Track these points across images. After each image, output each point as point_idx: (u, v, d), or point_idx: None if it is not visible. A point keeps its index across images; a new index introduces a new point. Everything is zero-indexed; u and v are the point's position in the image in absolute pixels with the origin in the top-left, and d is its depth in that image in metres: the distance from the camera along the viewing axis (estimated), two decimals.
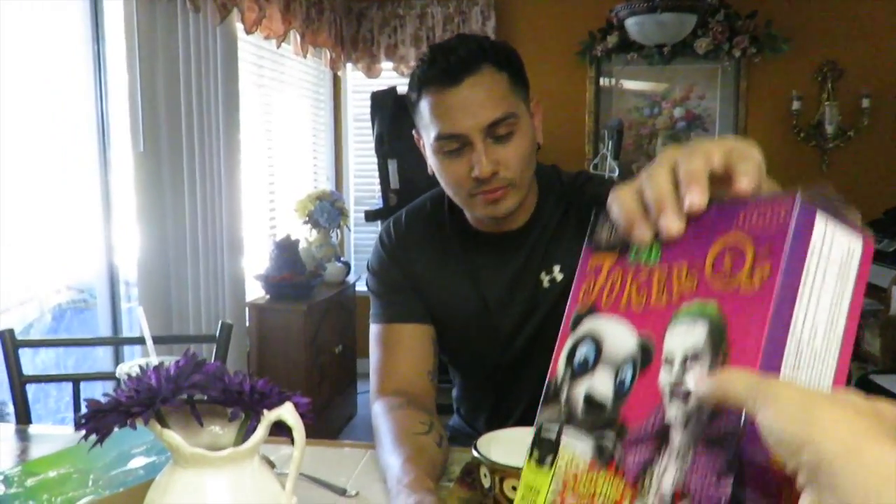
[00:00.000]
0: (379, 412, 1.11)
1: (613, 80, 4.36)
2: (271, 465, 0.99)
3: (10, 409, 1.37)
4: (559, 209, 1.20)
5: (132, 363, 1.02)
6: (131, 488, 0.82)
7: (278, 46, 3.43)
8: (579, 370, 0.54)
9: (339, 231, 3.96)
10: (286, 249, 3.21)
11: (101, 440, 0.65)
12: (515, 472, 0.83)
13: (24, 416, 1.36)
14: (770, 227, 0.44)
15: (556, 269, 1.17)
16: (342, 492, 0.98)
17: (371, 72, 4.33)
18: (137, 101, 2.25)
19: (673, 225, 0.48)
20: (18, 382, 1.34)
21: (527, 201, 1.16)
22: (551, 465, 0.54)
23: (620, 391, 0.51)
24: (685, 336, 0.47)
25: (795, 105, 4.13)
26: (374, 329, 1.24)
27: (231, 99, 2.70)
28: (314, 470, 1.04)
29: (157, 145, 2.35)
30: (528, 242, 1.19)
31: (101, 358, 2.35)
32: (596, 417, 0.52)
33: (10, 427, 1.26)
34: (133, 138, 2.26)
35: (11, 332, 1.36)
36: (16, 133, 2.07)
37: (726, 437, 0.42)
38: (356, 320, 3.97)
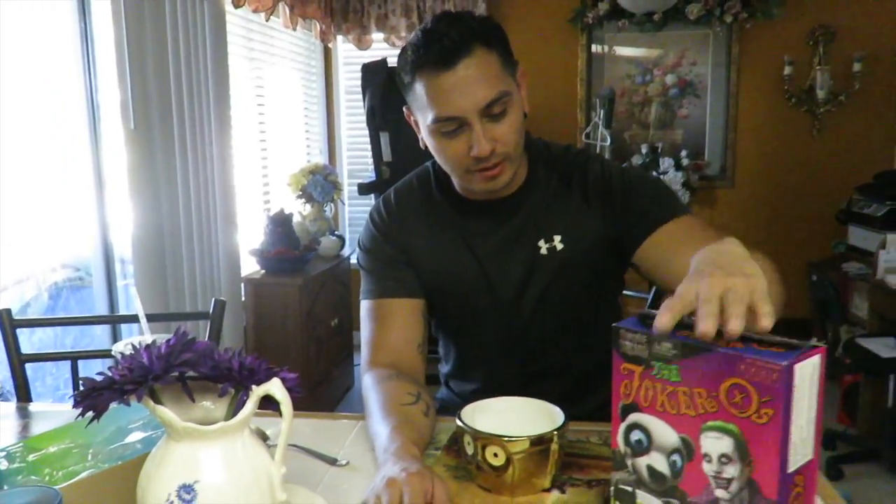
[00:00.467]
0: (369, 384, 1.14)
1: (605, 48, 4.34)
2: (265, 437, 1.03)
3: (11, 387, 1.40)
4: (552, 178, 1.24)
5: (127, 341, 1.04)
6: (130, 461, 0.85)
7: (267, 19, 3.41)
8: (637, 448, 0.74)
9: (332, 205, 3.98)
10: (281, 224, 3.23)
11: (97, 416, 0.68)
12: (497, 440, 0.87)
13: (24, 394, 1.39)
14: (766, 381, 0.63)
15: (557, 238, 1.21)
16: (333, 461, 1.02)
17: (361, 43, 4.31)
18: (127, 78, 2.25)
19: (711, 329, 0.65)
20: (17, 361, 1.37)
21: (518, 169, 1.19)
22: None
23: (674, 470, 0.71)
24: (717, 442, 0.67)
25: (787, 70, 4.12)
26: (365, 305, 1.26)
27: (221, 74, 2.70)
28: (308, 441, 1.07)
29: (149, 122, 2.36)
30: (522, 209, 1.23)
31: (98, 335, 2.38)
32: (660, 485, 0.73)
33: (10, 405, 1.30)
34: (124, 116, 2.27)
35: (9, 311, 1.39)
36: (7, 114, 2.07)
37: None
38: (351, 293, 4.01)
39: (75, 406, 0.66)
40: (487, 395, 1.22)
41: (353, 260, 4.09)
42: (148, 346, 0.67)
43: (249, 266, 3.22)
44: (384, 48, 4.32)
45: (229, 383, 0.69)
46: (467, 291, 1.25)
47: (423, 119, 1.13)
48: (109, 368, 0.68)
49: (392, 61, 3.80)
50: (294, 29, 3.71)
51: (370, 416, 1.07)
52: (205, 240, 2.64)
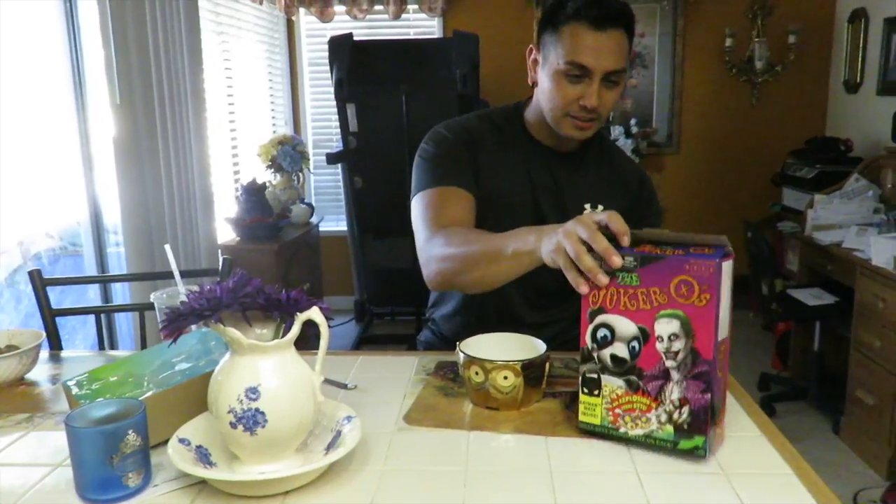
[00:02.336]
0: (444, 236, 1.23)
1: None
2: None
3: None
4: (601, 158, 1.49)
5: (164, 291, 1.23)
6: (182, 383, 1.04)
7: None
8: (602, 343, 0.96)
9: (300, 175, 4.13)
10: (254, 193, 3.38)
11: (176, 338, 0.87)
12: (509, 365, 1.08)
13: (56, 344, 1.56)
14: (705, 274, 0.87)
15: (600, 208, 1.41)
16: (344, 386, 1.22)
17: (324, 16, 4.43)
18: (112, 53, 2.36)
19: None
20: (49, 315, 1.54)
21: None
22: (598, 394, 0.98)
23: (633, 353, 0.94)
24: (668, 325, 0.91)
25: (728, 42, 4.39)
26: (421, 195, 1.34)
27: (194, 48, 2.82)
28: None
29: (131, 97, 2.48)
30: (579, 170, 1.45)
31: (91, 300, 2.52)
32: (621, 368, 0.95)
33: (44, 353, 1.46)
34: (110, 90, 2.39)
35: (39, 272, 1.55)
36: None
37: (702, 373, 0.89)
38: (321, 260, 4.19)
39: (163, 329, 0.85)
40: (473, 324, 1.40)
41: (322, 227, 4.26)
42: (219, 282, 0.86)
43: (224, 234, 3.37)
44: (346, 20, 4.45)
45: (279, 311, 0.89)
46: (515, 212, 1.39)
47: (554, 57, 1.30)
48: (187, 296, 0.87)
49: (358, 35, 3.94)
50: (260, 3, 3.81)
51: (473, 242, 1.18)
52: (185, 210, 2.79)
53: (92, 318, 1.63)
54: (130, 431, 0.86)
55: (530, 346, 1.17)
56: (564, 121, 1.34)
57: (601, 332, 0.96)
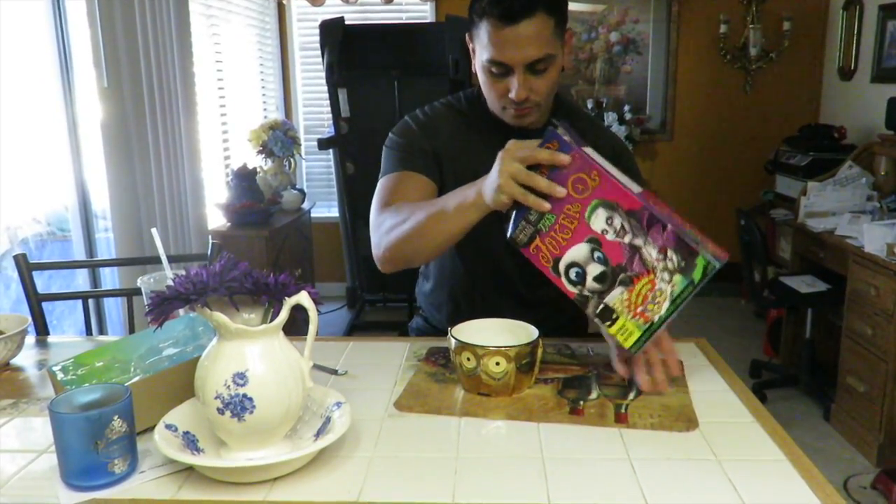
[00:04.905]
0: (392, 210, 1.28)
1: None
2: None
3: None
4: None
5: (151, 275, 1.21)
6: (169, 368, 1.03)
7: None
8: (580, 278, 1.03)
9: (291, 160, 4.10)
10: (245, 178, 3.35)
11: (161, 323, 0.86)
12: (501, 351, 1.07)
13: (42, 330, 1.54)
14: (578, 163, 1.01)
15: None
16: (334, 371, 1.21)
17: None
18: (99, 37, 2.33)
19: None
20: (35, 300, 1.51)
21: (546, 113, 1.39)
22: (616, 316, 1.01)
23: (604, 261, 1.01)
24: (599, 218, 1.00)
25: (722, 28, 4.37)
26: (384, 179, 1.38)
27: (183, 31, 2.78)
28: None
29: (119, 80, 2.45)
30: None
31: (80, 285, 2.50)
32: (608, 278, 1.01)
33: (31, 338, 1.44)
34: (97, 74, 2.35)
35: (24, 256, 1.53)
36: None
37: (650, 219, 0.96)
38: (313, 246, 4.16)
39: (149, 313, 0.84)
40: (459, 308, 1.39)
41: (314, 213, 4.23)
42: (205, 266, 0.85)
43: (215, 220, 3.34)
44: (338, 4, 4.41)
45: (267, 295, 0.87)
46: None
47: (479, 54, 1.30)
48: (173, 280, 0.85)
49: (350, 19, 3.90)
50: None
51: (418, 209, 1.22)
52: (175, 194, 2.76)
53: (81, 303, 1.60)
54: (116, 417, 0.84)
55: (522, 332, 1.16)
56: (503, 112, 1.34)
57: (573, 272, 1.03)
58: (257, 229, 3.32)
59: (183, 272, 1.08)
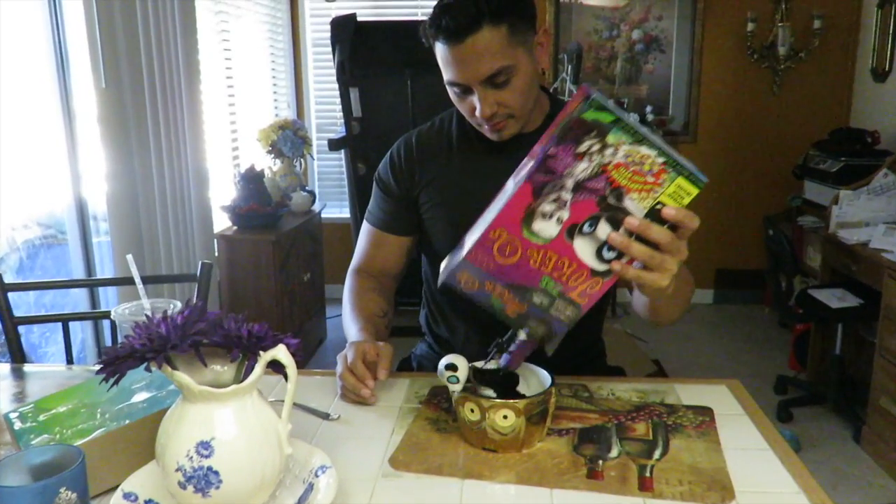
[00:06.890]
0: (354, 286, 1.40)
1: None
2: None
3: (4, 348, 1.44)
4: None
5: (126, 306, 1.10)
6: (140, 420, 0.92)
7: None
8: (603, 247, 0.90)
9: (302, 160, 3.99)
10: (252, 180, 3.24)
11: (115, 382, 0.74)
12: (509, 404, 0.95)
13: (18, 356, 1.43)
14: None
15: None
16: (325, 416, 1.09)
17: None
18: (96, 36, 2.23)
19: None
20: (11, 324, 1.41)
21: (534, 115, 1.29)
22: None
23: (594, 223, 0.88)
24: (548, 207, 0.88)
25: (750, 26, 4.20)
26: (366, 224, 1.46)
27: (188, 28, 2.67)
28: (298, 397, 1.14)
29: (119, 80, 2.34)
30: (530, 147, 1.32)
31: (75, 294, 2.40)
32: (614, 219, 0.89)
33: (5, 366, 1.34)
34: (95, 74, 2.25)
35: None
36: None
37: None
38: (323, 248, 4.05)
39: (99, 373, 0.72)
40: (460, 336, 1.32)
41: (325, 214, 4.12)
42: (165, 317, 0.73)
43: (221, 222, 3.24)
44: None
45: (239, 350, 0.76)
46: (469, 212, 1.31)
47: (442, 73, 1.23)
48: (126, 337, 0.74)
49: (361, 16, 3.78)
50: None
51: (349, 313, 1.34)
52: (178, 197, 2.66)
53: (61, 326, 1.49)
54: (63, 489, 0.73)
55: (533, 377, 1.04)
56: (480, 127, 1.27)
57: (598, 229, 0.89)
58: (264, 233, 3.22)
59: (149, 309, 0.98)
